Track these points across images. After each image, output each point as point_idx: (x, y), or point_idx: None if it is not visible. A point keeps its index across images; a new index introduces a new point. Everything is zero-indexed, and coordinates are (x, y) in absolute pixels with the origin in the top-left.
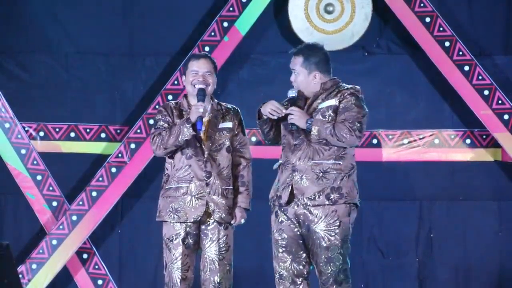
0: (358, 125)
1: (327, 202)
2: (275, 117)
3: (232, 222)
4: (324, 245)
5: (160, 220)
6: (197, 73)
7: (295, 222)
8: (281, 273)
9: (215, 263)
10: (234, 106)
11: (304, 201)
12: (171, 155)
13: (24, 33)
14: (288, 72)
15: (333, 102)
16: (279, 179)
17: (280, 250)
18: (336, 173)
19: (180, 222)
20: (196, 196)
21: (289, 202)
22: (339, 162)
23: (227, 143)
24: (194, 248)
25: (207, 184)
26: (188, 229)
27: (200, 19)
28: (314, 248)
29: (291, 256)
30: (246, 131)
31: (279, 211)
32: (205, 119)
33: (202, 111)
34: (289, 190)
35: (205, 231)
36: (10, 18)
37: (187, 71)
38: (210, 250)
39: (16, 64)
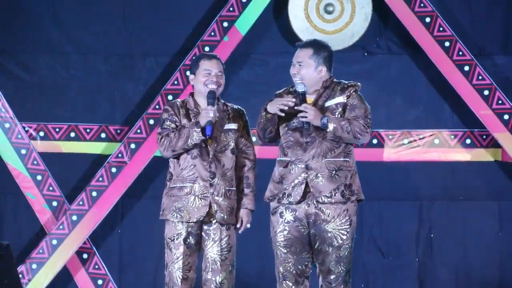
0: (369, 121)
1: (342, 200)
2: (286, 109)
3: (238, 225)
4: (336, 244)
5: (163, 218)
6: (210, 73)
7: (304, 223)
8: (284, 273)
9: (217, 263)
10: (239, 107)
11: (322, 199)
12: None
13: (24, 33)
14: (288, 72)
15: (341, 99)
16: (283, 177)
17: (284, 250)
18: (346, 170)
19: (182, 222)
20: (199, 196)
21: (300, 200)
22: (347, 159)
23: (232, 144)
24: (196, 248)
25: (211, 185)
26: (189, 229)
27: (200, 19)
28: (323, 247)
29: (294, 257)
30: None
31: (285, 211)
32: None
33: (212, 115)
34: (303, 188)
35: (207, 231)
36: (11, 18)
37: (197, 70)
38: (212, 250)
39: (16, 64)
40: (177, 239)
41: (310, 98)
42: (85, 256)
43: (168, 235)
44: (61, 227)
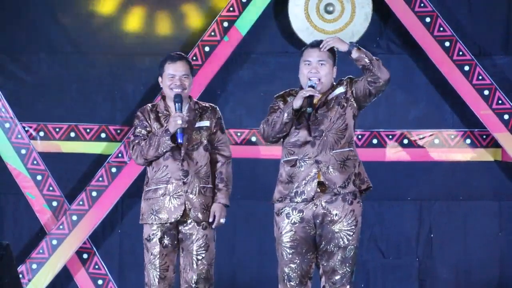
0: None
1: (354, 189)
2: (314, 93)
3: (211, 220)
4: (342, 244)
5: (144, 223)
6: (174, 77)
7: (311, 224)
8: (289, 274)
9: (193, 262)
10: (212, 105)
11: (337, 190)
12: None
13: (24, 33)
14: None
15: (341, 89)
16: (292, 176)
17: (289, 251)
18: (353, 159)
19: (161, 224)
20: (174, 196)
21: (314, 196)
22: (351, 148)
23: (205, 141)
24: (172, 248)
25: (184, 183)
26: (164, 229)
27: (200, 19)
28: (329, 247)
29: (300, 257)
30: (246, 131)
31: (291, 212)
32: (184, 126)
33: (180, 122)
34: (316, 183)
35: (183, 231)
36: (11, 18)
37: (163, 73)
38: (189, 250)
39: (16, 64)
40: (152, 239)
41: (317, 97)
42: (85, 256)
43: (145, 235)
44: (61, 227)
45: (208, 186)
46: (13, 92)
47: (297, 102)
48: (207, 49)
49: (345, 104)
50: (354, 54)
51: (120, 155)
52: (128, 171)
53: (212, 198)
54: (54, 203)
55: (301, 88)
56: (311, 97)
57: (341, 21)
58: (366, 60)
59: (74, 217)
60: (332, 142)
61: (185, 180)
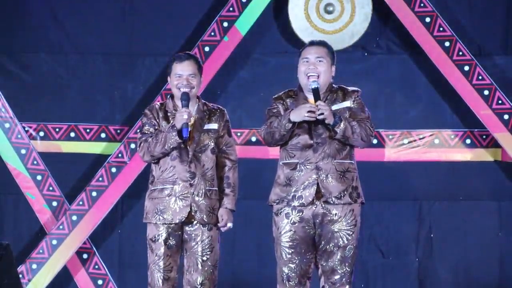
0: (373, 126)
1: (350, 201)
2: (313, 118)
3: (220, 225)
4: (342, 244)
5: (147, 222)
6: (180, 76)
7: (311, 223)
8: (288, 274)
9: (198, 263)
10: (220, 107)
11: (332, 200)
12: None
13: (24, 33)
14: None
15: (348, 103)
16: (291, 179)
17: (289, 251)
18: (353, 172)
19: (166, 224)
20: (180, 197)
21: (311, 201)
22: (352, 161)
23: (212, 144)
24: (176, 249)
25: (191, 185)
26: (170, 230)
27: (200, 19)
28: (329, 247)
29: (299, 257)
30: (246, 131)
31: (291, 212)
32: (190, 122)
33: (186, 117)
34: (315, 188)
35: (188, 232)
36: (11, 18)
37: (171, 73)
38: (194, 251)
39: (16, 64)
40: (158, 240)
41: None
42: (85, 256)
43: (150, 236)
44: (61, 227)
45: (213, 189)
46: (13, 92)
47: (295, 118)
48: (207, 49)
49: (348, 117)
50: (338, 128)
51: (120, 155)
52: (128, 171)
53: (217, 201)
54: (54, 203)
55: (300, 88)
56: (317, 91)
57: (341, 21)
58: (341, 135)
59: (74, 217)
60: (335, 152)
61: (191, 182)
